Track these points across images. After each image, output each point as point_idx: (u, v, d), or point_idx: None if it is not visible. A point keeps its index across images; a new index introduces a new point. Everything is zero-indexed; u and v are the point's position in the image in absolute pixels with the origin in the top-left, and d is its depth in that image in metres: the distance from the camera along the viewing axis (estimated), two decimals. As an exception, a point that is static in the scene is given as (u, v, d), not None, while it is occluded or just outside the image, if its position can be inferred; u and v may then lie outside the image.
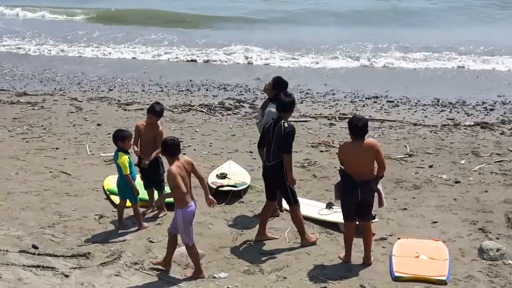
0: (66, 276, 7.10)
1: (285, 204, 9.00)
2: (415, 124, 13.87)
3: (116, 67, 20.46)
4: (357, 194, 7.28)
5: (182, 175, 6.99)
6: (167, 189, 9.18)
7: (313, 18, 28.87)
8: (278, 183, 7.95)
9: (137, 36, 25.27)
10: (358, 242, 7.64)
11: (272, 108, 8.49)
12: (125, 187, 8.32)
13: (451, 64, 20.55)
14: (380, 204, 7.52)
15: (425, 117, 14.55)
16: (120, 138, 8.30)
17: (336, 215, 8.44)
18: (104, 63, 21.35)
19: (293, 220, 8.08)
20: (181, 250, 7.56)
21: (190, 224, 7.11)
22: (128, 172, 8.25)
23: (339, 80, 18.57)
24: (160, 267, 7.36)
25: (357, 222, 7.55)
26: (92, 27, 27.60)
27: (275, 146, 7.84)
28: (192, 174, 7.19)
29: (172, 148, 7.12)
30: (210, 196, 7.28)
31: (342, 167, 7.46)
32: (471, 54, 21.41)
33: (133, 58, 22.21)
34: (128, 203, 8.52)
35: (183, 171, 7.03)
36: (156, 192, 8.91)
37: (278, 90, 8.68)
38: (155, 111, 8.69)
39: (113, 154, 8.66)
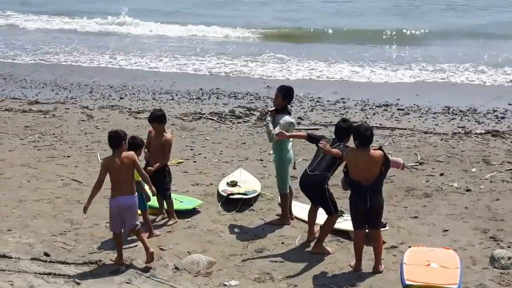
0: (78, 283, 7.14)
1: (295, 212, 9.04)
2: (425, 132, 13.84)
3: (129, 76, 20.58)
4: (366, 201, 7.30)
5: (114, 166, 7.30)
6: (176, 196, 9.25)
7: (329, 35, 28.57)
8: (318, 194, 7.96)
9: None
10: (368, 250, 7.63)
11: (287, 118, 8.46)
12: None
13: (468, 74, 20.40)
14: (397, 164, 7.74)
15: (436, 125, 14.51)
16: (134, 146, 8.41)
17: (347, 223, 8.41)
18: (117, 72, 21.48)
19: (323, 225, 8.04)
20: (192, 257, 7.59)
21: (116, 215, 7.40)
22: (140, 179, 8.28)
23: (350, 89, 18.52)
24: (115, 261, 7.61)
25: (367, 230, 7.55)
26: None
27: (325, 161, 7.87)
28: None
29: (111, 139, 7.44)
30: (153, 188, 7.82)
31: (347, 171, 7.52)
32: (488, 66, 21.23)
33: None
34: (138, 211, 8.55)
35: (117, 164, 7.32)
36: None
37: (288, 101, 8.71)
38: (151, 118, 8.90)
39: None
